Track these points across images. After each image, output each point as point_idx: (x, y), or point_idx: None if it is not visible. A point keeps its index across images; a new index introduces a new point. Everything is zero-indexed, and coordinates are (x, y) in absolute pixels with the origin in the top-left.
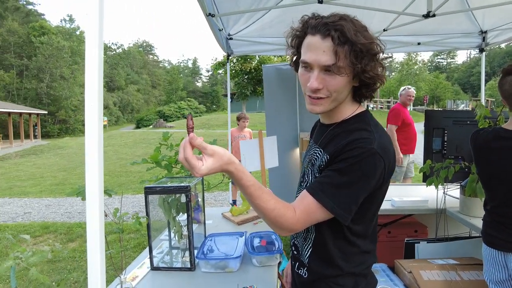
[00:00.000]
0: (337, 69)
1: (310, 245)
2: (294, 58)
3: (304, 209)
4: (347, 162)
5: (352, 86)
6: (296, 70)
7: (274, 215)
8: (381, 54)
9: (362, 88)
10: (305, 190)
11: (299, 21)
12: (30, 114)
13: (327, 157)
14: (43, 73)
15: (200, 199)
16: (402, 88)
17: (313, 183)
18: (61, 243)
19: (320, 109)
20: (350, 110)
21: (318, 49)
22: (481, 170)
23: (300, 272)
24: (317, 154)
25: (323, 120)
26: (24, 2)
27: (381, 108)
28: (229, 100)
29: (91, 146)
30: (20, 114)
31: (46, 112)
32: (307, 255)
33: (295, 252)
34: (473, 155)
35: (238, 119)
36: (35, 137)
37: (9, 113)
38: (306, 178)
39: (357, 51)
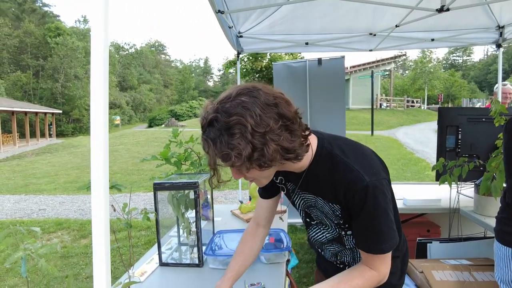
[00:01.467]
0: (234, 168)
1: (358, 260)
2: None
3: (379, 261)
4: (365, 210)
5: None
6: None
7: None
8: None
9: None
10: (365, 253)
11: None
12: (45, 113)
13: (337, 206)
14: (58, 73)
15: (209, 196)
16: (496, 85)
17: (364, 242)
18: (74, 239)
19: (262, 185)
20: (304, 159)
21: None
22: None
23: None
24: (317, 201)
25: (292, 171)
26: (40, 4)
27: (394, 107)
28: None
29: (96, 139)
30: (36, 113)
31: (60, 111)
32: None
33: (341, 267)
34: (506, 141)
35: None
36: (50, 136)
37: (25, 113)
38: (325, 222)
39: (226, 160)
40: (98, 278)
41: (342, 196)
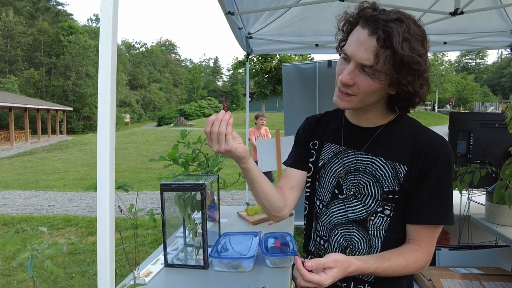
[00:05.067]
0: (373, 72)
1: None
2: (342, 44)
3: (431, 239)
4: (446, 176)
5: (388, 94)
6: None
7: (410, 269)
8: (425, 73)
9: (397, 99)
10: (422, 228)
11: (355, 7)
12: (57, 110)
13: (404, 167)
14: (69, 71)
15: (216, 197)
16: None
17: (431, 211)
18: (82, 236)
19: (345, 105)
20: (389, 115)
21: (361, 45)
22: None
23: None
24: (372, 163)
25: (356, 121)
26: (54, 3)
27: None
28: (247, 99)
29: (103, 141)
30: (48, 110)
31: (71, 108)
32: None
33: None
34: None
35: (256, 117)
36: (61, 132)
37: (38, 109)
38: (366, 192)
39: (397, 61)
40: (102, 280)
41: (419, 157)
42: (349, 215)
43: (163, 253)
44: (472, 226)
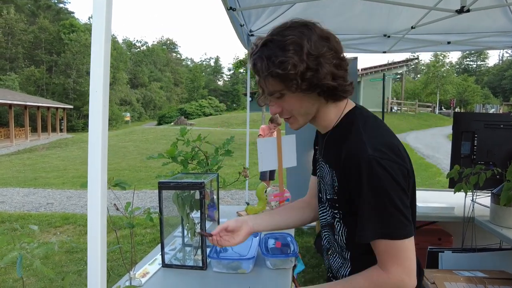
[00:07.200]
0: (276, 94)
1: (349, 265)
2: None
3: (389, 259)
4: (364, 185)
5: (317, 93)
6: None
7: None
8: (312, 56)
9: (328, 92)
10: (376, 248)
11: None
12: (57, 108)
13: (333, 173)
14: (70, 69)
15: (215, 197)
16: None
17: (365, 227)
18: (80, 234)
19: (295, 127)
20: (335, 112)
21: (262, 84)
22: None
23: None
24: (325, 169)
25: (319, 130)
26: (56, 1)
27: (405, 111)
28: (248, 98)
29: (94, 137)
30: (48, 108)
31: (72, 106)
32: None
33: (329, 275)
34: None
35: (271, 121)
36: (61, 130)
37: (38, 107)
38: (323, 197)
39: (275, 77)
40: (92, 281)
41: (342, 165)
42: (326, 218)
43: (160, 253)
44: (476, 229)
